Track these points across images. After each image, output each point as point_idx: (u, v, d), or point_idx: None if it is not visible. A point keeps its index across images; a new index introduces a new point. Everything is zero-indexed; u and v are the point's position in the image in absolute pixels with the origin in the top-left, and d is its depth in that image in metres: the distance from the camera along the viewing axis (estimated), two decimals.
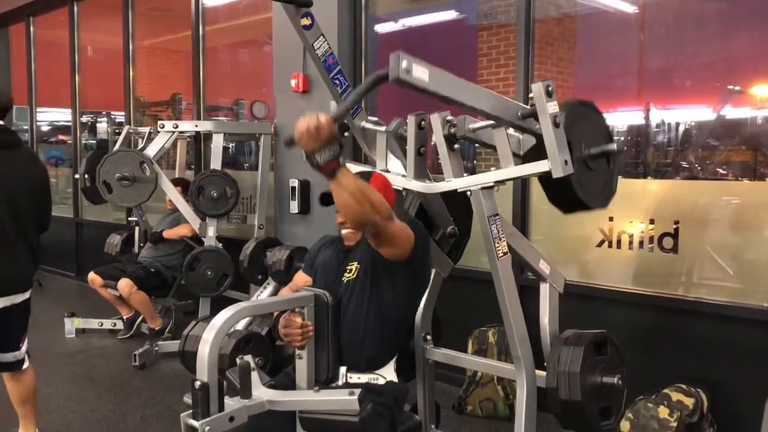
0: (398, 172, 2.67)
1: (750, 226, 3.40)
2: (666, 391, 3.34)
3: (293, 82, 4.94)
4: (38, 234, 3.20)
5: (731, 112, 4.46)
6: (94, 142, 8.61)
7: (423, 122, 2.51)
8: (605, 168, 2.54)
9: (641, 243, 3.69)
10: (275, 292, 4.29)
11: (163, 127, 4.94)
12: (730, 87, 4.44)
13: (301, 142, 1.88)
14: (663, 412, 3.27)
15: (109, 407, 4.03)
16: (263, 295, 4.31)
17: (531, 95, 2.24)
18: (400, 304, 2.33)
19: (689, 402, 3.28)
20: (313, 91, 4.92)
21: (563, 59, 6.14)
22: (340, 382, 2.23)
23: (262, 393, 2.07)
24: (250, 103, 7.12)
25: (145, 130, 5.61)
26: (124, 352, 5.04)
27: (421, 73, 1.93)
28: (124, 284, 4.99)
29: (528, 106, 2.28)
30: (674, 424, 3.22)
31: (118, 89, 7.38)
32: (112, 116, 8.35)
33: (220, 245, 4.97)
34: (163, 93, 7.96)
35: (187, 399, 4.27)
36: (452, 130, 2.47)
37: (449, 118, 2.49)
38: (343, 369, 2.24)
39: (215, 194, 4.86)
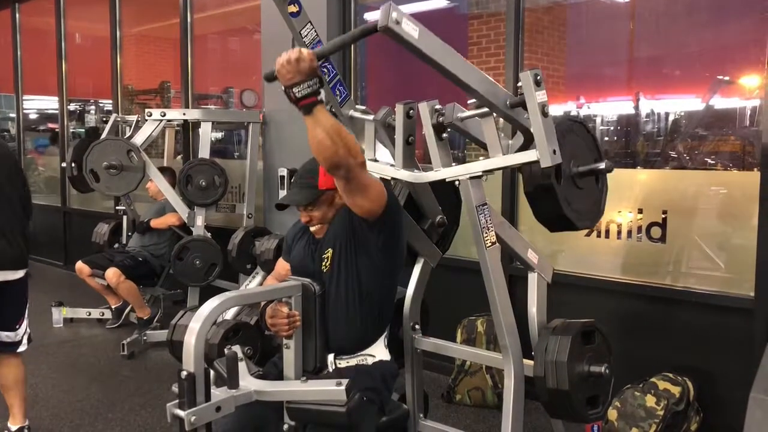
0: (387, 162, 2.66)
1: (737, 215, 3.41)
2: (653, 379, 3.37)
3: None
4: (27, 219, 3.19)
5: (720, 102, 4.46)
6: (83, 130, 8.54)
7: (411, 111, 2.49)
8: (594, 187, 2.55)
9: (629, 233, 3.70)
10: (263, 281, 4.27)
11: (150, 115, 4.90)
12: (719, 77, 4.45)
13: (280, 74, 1.87)
14: (650, 400, 3.29)
15: (98, 397, 4.02)
16: (252, 284, 4.30)
17: (519, 84, 2.23)
18: (379, 277, 2.28)
19: (676, 390, 3.31)
20: None
21: (554, 48, 6.13)
22: (329, 370, 2.22)
23: (249, 383, 2.07)
24: (239, 91, 7.08)
25: (133, 118, 5.56)
26: (113, 342, 5.02)
27: (410, 29, 1.93)
28: (112, 273, 4.97)
29: (516, 96, 2.28)
30: (661, 413, 3.24)
31: (106, 77, 7.32)
32: (101, 104, 8.30)
33: (208, 234, 4.95)
34: (152, 81, 7.89)
35: (176, 389, 4.26)
36: (441, 119, 2.46)
37: (438, 107, 2.48)
38: (330, 356, 2.23)
39: (204, 183, 4.84)
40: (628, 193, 3.71)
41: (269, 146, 5.21)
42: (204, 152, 4.95)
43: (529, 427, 3.28)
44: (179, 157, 6.34)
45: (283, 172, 4.97)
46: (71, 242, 7.79)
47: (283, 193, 4.98)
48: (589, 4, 5.53)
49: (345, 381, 1.93)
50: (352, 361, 2.25)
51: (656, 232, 3.60)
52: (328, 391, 1.96)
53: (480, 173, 2.38)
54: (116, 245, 5.70)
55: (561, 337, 2.47)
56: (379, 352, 2.30)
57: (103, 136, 5.36)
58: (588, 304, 3.71)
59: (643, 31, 4.98)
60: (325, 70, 2.61)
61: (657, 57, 5.07)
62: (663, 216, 3.57)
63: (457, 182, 2.44)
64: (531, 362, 2.54)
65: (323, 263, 2.25)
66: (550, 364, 2.44)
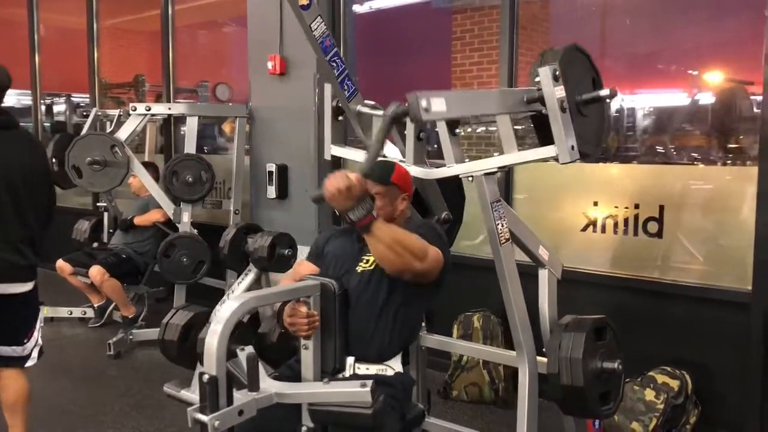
0: (395, 158, 2.62)
1: (733, 210, 3.44)
2: (651, 373, 3.39)
3: (270, 64, 4.83)
4: (43, 225, 3.01)
5: (707, 98, 4.52)
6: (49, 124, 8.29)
7: None
8: (597, 113, 2.54)
9: (626, 228, 3.71)
10: (257, 280, 4.21)
11: (135, 109, 4.79)
12: (703, 73, 4.52)
13: (333, 201, 1.92)
14: (649, 394, 3.32)
15: (86, 398, 3.92)
16: (245, 282, 4.23)
17: (537, 79, 2.21)
18: (417, 301, 2.32)
19: (674, 384, 3.34)
20: (291, 74, 4.82)
21: (537, 42, 6.14)
22: (347, 373, 2.18)
23: (269, 385, 2.02)
24: (212, 85, 6.97)
25: (114, 112, 5.42)
26: (97, 341, 4.91)
27: (439, 105, 1.99)
28: (96, 271, 4.85)
29: (530, 89, 2.26)
30: (661, 406, 3.27)
31: (77, 69, 7.14)
32: (72, 98, 8.08)
33: (195, 231, 4.86)
34: (125, 74, 7.73)
35: (168, 389, 4.16)
36: None
37: None
38: (350, 359, 2.20)
39: (190, 179, 4.74)
40: (624, 189, 3.73)
41: (256, 141, 5.12)
42: (190, 147, 4.85)
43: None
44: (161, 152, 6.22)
45: (272, 167, 4.90)
46: (49, 239, 7.56)
47: (271, 189, 4.92)
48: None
49: (369, 382, 1.90)
50: (372, 369, 2.22)
51: (653, 227, 3.62)
52: (353, 392, 1.91)
53: (495, 169, 2.36)
54: (95, 243, 5.56)
55: (575, 334, 2.45)
56: (397, 365, 2.28)
57: (84, 130, 5.22)
58: (585, 299, 3.72)
59: (627, 27, 5.01)
60: (334, 64, 2.57)
61: (642, 52, 5.11)
62: (659, 211, 3.59)
63: (470, 178, 2.41)
64: (543, 359, 2.53)
65: (362, 262, 2.21)
66: (565, 361, 2.42)
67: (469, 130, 5.68)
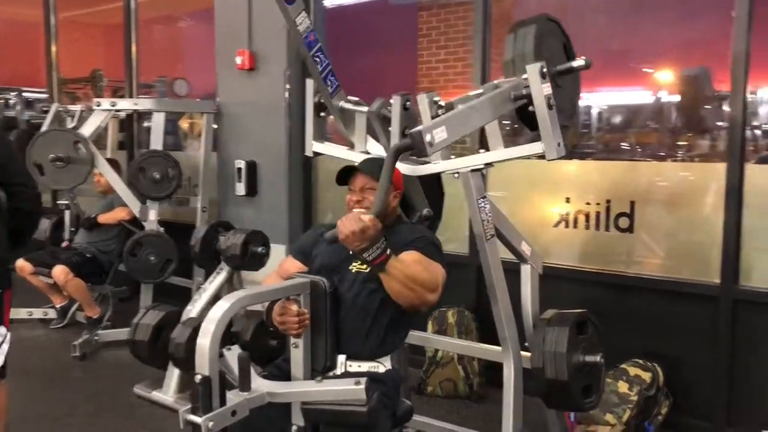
0: (379, 155, 2.61)
1: (702, 205, 3.53)
2: (624, 366, 3.46)
3: (238, 59, 4.77)
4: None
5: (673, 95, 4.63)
6: None
7: (408, 103, 2.46)
8: (571, 83, 2.57)
9: (597, 223, 3.77)
10: (229, 278, 4.14)
11: (99, 105, 4.67)
12: (669, 70, 4.62)
13: (347, 243, 1.95)
14: (623, 386, 3.38)
15: (54, 401, 3.82)
16: (216, 281, 4.15)
17: (525, 76, 2.23)
18: None
19: (647, 376, 3.41)
20: (260, 69, 4.76)
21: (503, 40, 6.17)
22: (339, 371, 2.16)
23: (260, 385, 1.99)
24: (170, 80, 6.84)
25: (76, 108, 5.29)
26: (60, 343, 4.78)
27: (440, 135, 2.03)
28: (60, 271, 4.72)
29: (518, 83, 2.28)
30: (635, 398, 3.33)
31: (28, 64, 6.93)
32: (23, 93, 7.84)
33: (161, 229, 4.77)
34: (81, 69, 7.53)
35: (138, 390, 4.10)
36: (440, 111, 2.43)
37: (436, 98, 2.45)
38: (341, 357, 2.18)
39: (157, 176, 4.64)
40: (595, 185, 3.79)
41: (224, 138, 5.05)
42: (157, 144, 4.75)
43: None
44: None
45: (241, 164, 4.84)
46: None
47: (240, 186, 4.86)
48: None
49: (363, 380, 1.89)
50: (364, 366, 2.20)
51: (624, 222, 3.69)
52: (347, 390, 1.90)
53: (481, 166, 2.37)
54: (64, 243, 5.40)
55: (558, 328, 2.49)
56: (388, 362, 2.27)
57: (45, 126, 5.08)
58: (558, 293, 3.75)
59: (595, 25, 5.07)
60: (317, 60, 2.54)
61: (610, 50, 5.18)
62: (630, 206, 3.66)
63: (455, 175, 2.42)
64: (526, 354, 2.55)
65: (360, 263, 2.19)
66: (549, 355, 2.45)
67: None
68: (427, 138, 1.96)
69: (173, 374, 3.85)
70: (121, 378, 4.14)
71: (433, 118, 2.43)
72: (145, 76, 6.92)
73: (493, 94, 2.23)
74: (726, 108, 3.55)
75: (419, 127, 2.00)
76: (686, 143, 4.58)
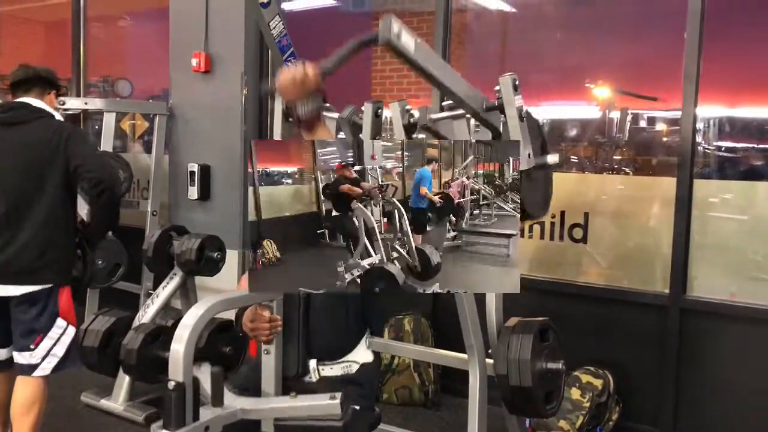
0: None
1: (652, 217, 3.66)
2: (576, 373, 3.55)
3: (194, 62, 4.68)
4: (68, 212, 3.10)
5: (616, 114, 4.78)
6: None
7: (380, 110, 2.47)
8: (544, 179, 2.62)
9: (552, 233, 3.86)
10: (182, 284, 4.05)
11: None
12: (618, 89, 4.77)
13: (284, 92, 1.83)
14: (575, 393, 3.47)
15: None
16: (169, 286, 4.06)
17: (497, 88, 2.27)
18: None
19: (598, 383, 3.51)
20: (216, 72, 4.69)
21: (461, 56, 6.24)
22: (313, 378, 2.14)
23: (232, 401, 1.94)
24: (113, 80, 6.67)
25: None
26: None
27: (407, 41, 1.87)
28: None
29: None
30: (587, 405, 3.42)
31: None
32: None
33: (110, 233, 4.63)
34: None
35: (85, 398, 3.98)
36: (411, 119, 2.45)
37: (408, 107, 2.47)
38: (313, 362, 2.16)
39: None
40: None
41: (176, 140, 4.95)
42: (107, 145, 4.61)
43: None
44: None
45: (194, 167, 4.75)
46: None
47: (193, 190, 4.77)
48: (485, 13, 5.66)
49: (338, 394, 1.85)
50: (336, 368, 2.19)
51: (578, 232, 3.78)
52: (322, 406, 1.86)
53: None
54: None
55: (522, 336, 2.52)
56: (360, 355, 2.26)
57: None
58: (513, 301, 3.81)
59: (554, 41, 5.17)
60: (290, 64, 2.52)
61: (560, 67, 5.30)
62: (584, 218, 3.76)
63: None
64: (489, 361, 2.58)
65: None
66: (514, 362, 2.48)
67: None
68: (395, 29, 1.76)
69: (123, 382, 3.75)
70: (67, 383, 3.99)
71: (404, 126, 2.45)
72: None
73: (468, 84, 2.22)
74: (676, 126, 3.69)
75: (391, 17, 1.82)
76: (637, 158, 4.73)
